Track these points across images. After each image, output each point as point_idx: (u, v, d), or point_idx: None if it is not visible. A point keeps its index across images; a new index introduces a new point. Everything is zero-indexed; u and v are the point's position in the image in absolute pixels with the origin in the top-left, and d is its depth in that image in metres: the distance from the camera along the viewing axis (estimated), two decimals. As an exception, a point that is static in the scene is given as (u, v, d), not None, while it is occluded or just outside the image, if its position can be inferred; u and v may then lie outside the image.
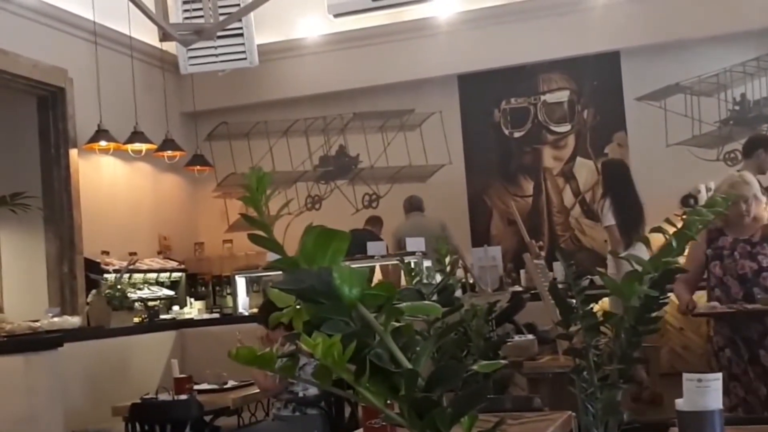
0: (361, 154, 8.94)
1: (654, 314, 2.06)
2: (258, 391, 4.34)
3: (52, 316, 5.04)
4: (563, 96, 8.42)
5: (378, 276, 6.50)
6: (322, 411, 4.11)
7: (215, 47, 7.61)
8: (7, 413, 3.38)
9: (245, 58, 7.90)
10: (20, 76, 6.74)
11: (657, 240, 2.09)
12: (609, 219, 5.78)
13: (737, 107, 8.00)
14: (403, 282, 4.82)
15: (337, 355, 1.16)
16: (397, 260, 6.02)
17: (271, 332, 4.19)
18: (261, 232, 1.23)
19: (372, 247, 6.64)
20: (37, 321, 5.04)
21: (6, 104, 7.33)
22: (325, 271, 1.21)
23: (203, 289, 8.04)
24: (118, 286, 5.64)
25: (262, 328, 4.43)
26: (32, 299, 6.70)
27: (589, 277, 2.34)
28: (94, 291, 5.77)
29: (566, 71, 8.36)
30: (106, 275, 6.56)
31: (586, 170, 8.34)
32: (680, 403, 1.82)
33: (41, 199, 6.86)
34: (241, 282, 6.95)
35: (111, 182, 7.82)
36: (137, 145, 7.52)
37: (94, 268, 6.90)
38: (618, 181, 6.02)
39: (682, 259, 3.25)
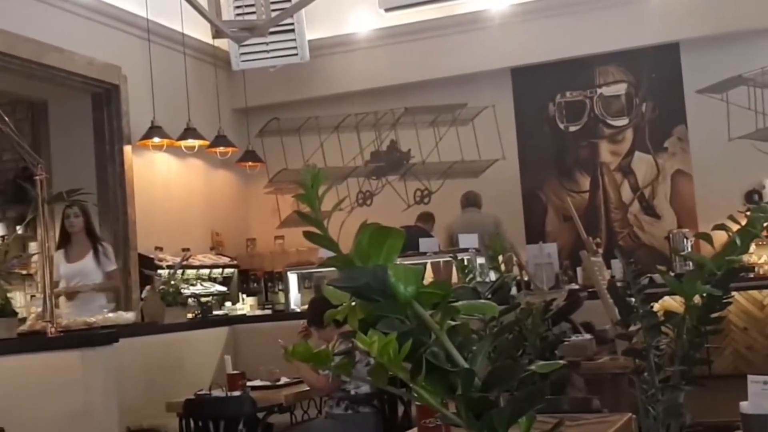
0: (413, 150, 8.89)
1: (717, 314, 2.00)
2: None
3: (107, 312, 5.11)
4: (620, 89, 8.24)
5: (429, 273, 6.45)
6: (374, 409, 4.08)
7: (267, 43, 7.65)
8: (63, 408, 3.43)
9: (296, 54, 7.93)
10: (76, 73, 6.85)
11: (720, 237, 2.02)
12: None
13: (803, 99, 7.76)
14: (455, 279, 4.76)
15: (392, 354, 1.15)
16: (450, 257, 5.96)
17: (321, 330, 4.17)
18: (315, 230, 1.21)
19: (424, 244, 6.59)
20: (92, 316, 5.11)
21: (62, 101, 7.47)
22: (380, 269, 1.19)
23: (255, 285, 8.08)
24: (172, 282, 5.68)
25: (301, 323, 4.42)
26: (87, 295, 6.80)
27: (649, 275, 2.28)
28: (148, 287, 5.83)
29: (623, 63, 8.18)
30: (159, 271, 6.63)
31: (644, 165, 8.15)
32: (745, 406, 1.75)
33: (96, 195, 6.96)
34: (293, 278, 6.96)
35: (164, 178, 7.90)
36: (190, 142, 7.59)
37: (147, 263, 6.98)
38: None
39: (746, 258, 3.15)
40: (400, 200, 8.84)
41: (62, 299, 5.58)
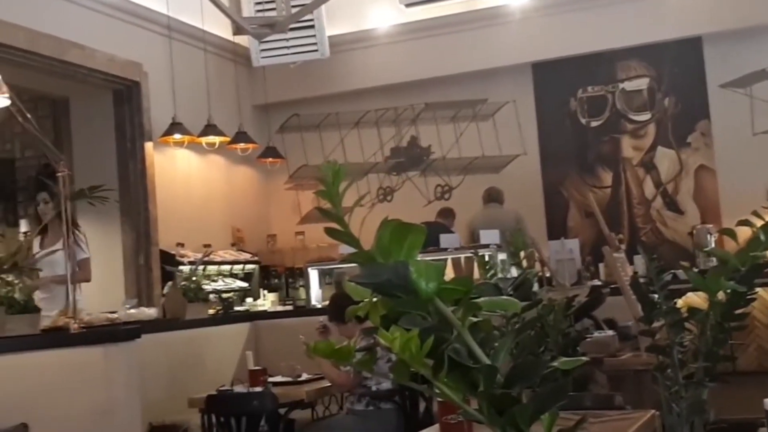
0: (433, 145, 8.86)
1: (741, 310, 1.99)
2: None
3: (129, 308, 5.14)
4: (642, 84, 8.17)
5: (450, 269, 6.43)
6: (396, 405, 4.07)
7: (287, 39, 7.66)
8: (86, 404, 3.44)
9: (317, 50, 7.94)
10: (97, 70, 6.89)
11: (744, 233, 2.00)
12: None
13: (828, 93, 7.65)
14: (476, 275, 4.74)
15: (414, 350, 1.15)
16: (471, 253, 5.95)
17: (342, 326, 4.17)
18: (337, 226, 1.21)
19: (445, 240, 6.57)
20: (114, 312, 5.14)
21: (83, 98, 7.52)
22: (401, 266, 1.19)
23: (276, 281, 8.10)
24: (193, 278, 5.71)
25: (320, 320, 4.42)
26: (109, 291, 6.84)
27: (672, 271, 2.26)
28: (169, 283, 5.86)
29: (645, 58, 8.11)
30: (181, 267, 6.67)
31: (667, 160, 8.08)
32: (769, 403, 1.73)
33: (118, 191, 7.00)
34: (313, 274, 6.97)
35: (185, 175, 7.94)
36: (211, 138, 7.62)
37: (169, 260, 7.02)
38: None
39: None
40: (421, 196, 8.83)
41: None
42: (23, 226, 8.12)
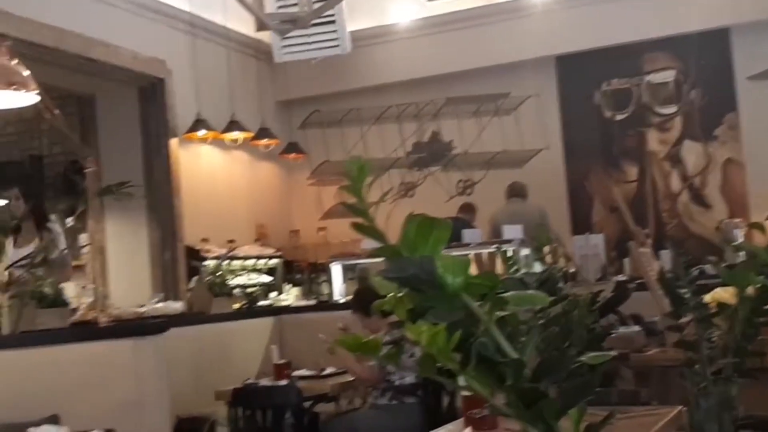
0: (455, 140, 8.84)
1: (772, 305, 1.96)
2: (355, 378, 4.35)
3: (157, 302, 5.20)
4: (668, 76, 8.09)
5: (472, 265, 6.41)
6: (419, 399, 4.08)
7: (308, 35, 7.68)
8: (116, 396, 3.50)
9: (338, 46, 7.94)
10: (121, 67, 6.95)
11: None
12: None
13: None
14: (498, 271, 4.74)
15: (442, 344, 1.15)
16: (494, 248, 5.93)
17: (366, 319, 4.18)
18: (362, 220, 1.21)
19: (467, 235, 6.56)
20: (142, 306, 5.21)
21: (109, 95, 7.59)
22: (427, 260, 1.20)
23: (299, 276, 8.13)
24: (218, 273, 5.76)
25: (342, 320, 4.42)
26: (136, 285, 6.92)
27: (699, 266, 2.24)
28: (195, 277, 5.92)
29: (671, 50, 8.03)
30: (205, 262, 6.72)
31: (694, 154, 8.01)
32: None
33: (144, 188, 7.07)
34: (336, 269, 6.99)
35: (209, 171, 7.99)
36: (234, 134, 7.66)
37: (194, 255, 7.08)
38: None
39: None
40: (443, 191, 8.81)
41: None
42: (48, 222, 8.21)
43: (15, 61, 4.19)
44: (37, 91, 4.23)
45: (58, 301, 4.24)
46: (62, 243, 4.95)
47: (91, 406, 3.43)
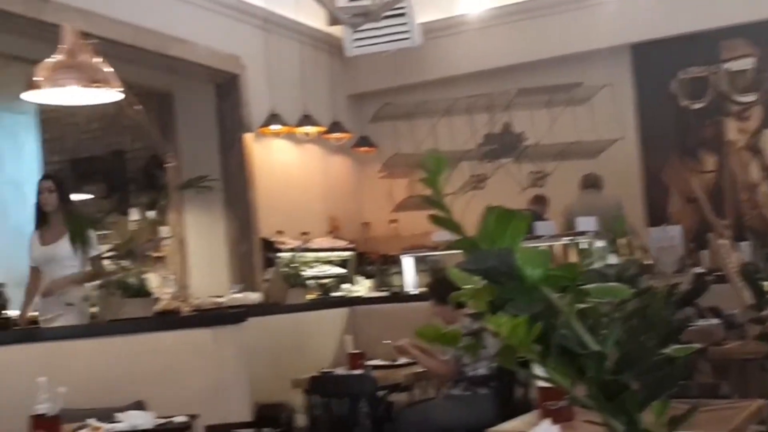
0: (527, 131, 8.77)
1: None
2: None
3: (235, 293, 5.33)
4: (747, 63, 7.86)
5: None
6: (492, 390, 4.09)
7: (379, 28, 7.73)
8: (199, 383, 3.61)
9: (408, 38, 7.97)
10: (198, 64, 7.10)
11: None
12: None
13: None
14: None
15: (522, 336, 1.16)
16: (569, 241, 5.89)
17: (440, 308, 4.18)
18: (439, 213, 1.24)
19: (540, 227, 6.52)
20: (221, 297, 5.35)
21: (186, 92, 7.78)
22: (506, 252, 1.21)
23: (371, 268, 8.21)
24: (293, 265, 5.86)
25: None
26: (215, 276, 7.10)
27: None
28: (271, 269, 6.03)
29: (750, 36, 7.79)
30: (281, 254, 6.84)
31: (775, 143, 7.78)
32: None
33: (220, 182, 7.24)
34: (407, 261, 7.03)
35: (283, 165, 8.12)
36: (307, 128, 7.77)
37: (269, 247, 7.22)
38: None
39: None
40: (514, 183, 8.75)
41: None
42: (133, 214, 8.49)
43: (99, 60, 4.36)
44: (121, 89, 4.38)
45: (141, 291, 4.38)
46: (92, 248, 4.81)
47: (175, 393, 3.54)
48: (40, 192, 4.83)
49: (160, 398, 3.40)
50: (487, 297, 1.24)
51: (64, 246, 4.71)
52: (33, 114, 7.92)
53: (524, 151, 8.77)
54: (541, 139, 8.67)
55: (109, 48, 6.18)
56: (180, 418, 2.95)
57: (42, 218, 4.84)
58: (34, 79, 4.31)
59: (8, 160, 7.75)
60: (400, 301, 6.03)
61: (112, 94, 4.47)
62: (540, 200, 7.91)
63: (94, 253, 4.76)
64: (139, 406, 3.35)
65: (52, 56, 4.35)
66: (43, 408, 2.78)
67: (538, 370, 1.26)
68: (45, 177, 5.05)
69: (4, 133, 8.10)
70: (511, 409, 4.15)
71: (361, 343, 4.88)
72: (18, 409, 2.81)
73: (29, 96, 4.52)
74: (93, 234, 4.78)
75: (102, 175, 8.35)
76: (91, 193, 8.15)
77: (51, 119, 8.13)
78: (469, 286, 1.28)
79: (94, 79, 4.26)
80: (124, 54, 6.33)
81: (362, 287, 7.51)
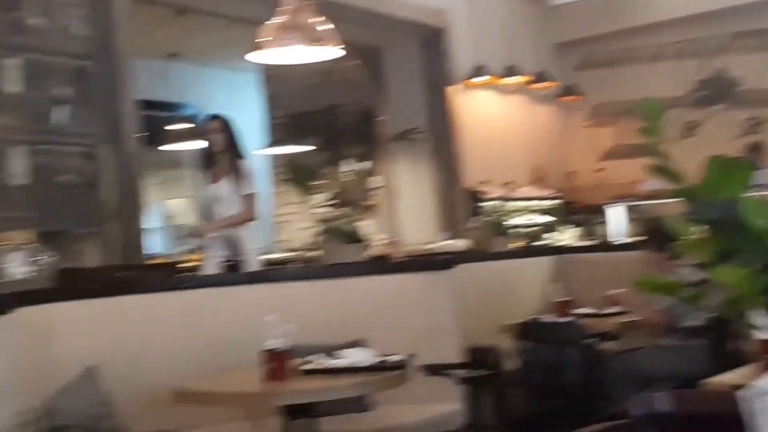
0: (742, 76, 8.25)
1: None
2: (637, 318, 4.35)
3: (443, 240, 5.53)
4: None
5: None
6: (706, 342, 4.00)
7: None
8: (413, 324, 3.81)
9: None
10: (406, 20, 7.28)
11: None
12: None
13: None
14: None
15: (749, 286, 1.19)
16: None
17: (655, 255, 4.10)
18: (657, 161, 1.28)
19: (758, 176, 6.16)
20: (430, 243, 5.57)
21: (394, 47, 8.00)
22: (730, 202, 1.22)
23: (576, 216, 8.14)
24: (497, 213, 5.96)
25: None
26: (423, 224, 7.35)
27: None
28: (476, 217, 6.16)
29: None
30: (485, 203, 6.96)
31: None
32: None
33: (428, 133, 7.44)
34: (614, 211, 6.93)
35: (488, 116, 8.19)
36: (512, 79, 7.79)
37: (474, 196, 7.36)
38: None
39: None
40: (726, 130, 8.30)
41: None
42: (346, 166, 8.91)
43: (320, 19, 4.58)
44: (341, 46, 4.60)
45: (355, 238, 4.62)
46: (249, 186, 5.03)
47: (392, 332, 3.74)
48: (208, 132, 4.98)
49: (378, 337, 3.55)
50: (711, 247, 1.27)
51: (227, 186, 4.90)
52: (255, 72, 8.45)
53: (738, 96, 8.28)
54: (757, 85, 8.13)
55: (325, 7, 6.51)
56: (397, 357, 3.09)
57: (210, 159, 5.02)
58: (260, 40, 4.43)
59: (233, 116, 8.33)
60: (607, 250, 5.97)
61: (334, 52, 4.66)
62: (756, 148, 7.48)
63: (249, 191, 4.93)
64: (361, 343, 3.55)
65: (274, 18, 4.47)
66: (274, 343, 2.85)
67: (762, 320, 1.28)
68: (213, 117, 5.15)
69: (229, 91, 8.76)
70: (723, 362, 4.04)
71: (567, 292, 4.90)
72: (249, 344, 3.01)
73: (254, 56, 4.61)
74: (313, 184, 4.87)
75: (318, 128, 8.78)
76: (312, 145, 8.48)
77: (273, 77, 8.64)
78: (690, 236, 1.32)
79: (316, 38, 4.46)
80: (338, 12, 6.61)
81: (568, 236, 7.48)
